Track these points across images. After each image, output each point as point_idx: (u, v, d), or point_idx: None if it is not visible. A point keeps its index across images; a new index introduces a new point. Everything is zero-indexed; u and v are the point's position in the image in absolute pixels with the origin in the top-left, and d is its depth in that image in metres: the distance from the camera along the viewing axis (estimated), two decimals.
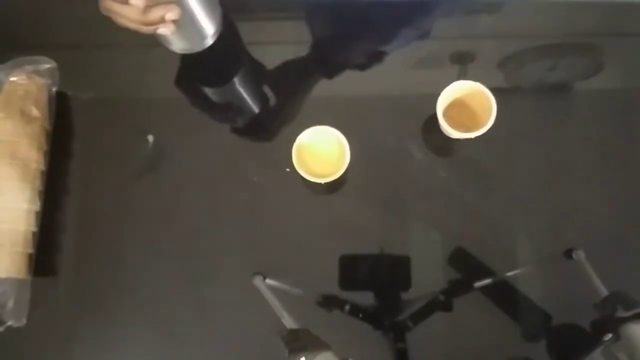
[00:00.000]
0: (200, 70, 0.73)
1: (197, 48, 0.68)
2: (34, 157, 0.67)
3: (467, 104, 0.67)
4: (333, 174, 0.63)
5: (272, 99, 0.73)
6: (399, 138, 0.71)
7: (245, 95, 0.73)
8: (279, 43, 0.76)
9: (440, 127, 0.65)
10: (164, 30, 0.57)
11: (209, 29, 0.67)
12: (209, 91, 0.73)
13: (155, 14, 0.55)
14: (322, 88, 0.73)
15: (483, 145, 0.69)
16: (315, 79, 0.72)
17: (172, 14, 0.55)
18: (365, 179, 0.70)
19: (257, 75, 0.74)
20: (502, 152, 0.71)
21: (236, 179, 0.70)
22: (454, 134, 0.64)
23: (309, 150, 0.66)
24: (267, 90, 0.73)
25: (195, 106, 0.72)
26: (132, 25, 0.56)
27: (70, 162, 0.71)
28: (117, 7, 0.54)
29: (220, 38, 0.69)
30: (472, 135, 0.63)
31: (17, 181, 0.65)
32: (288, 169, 0.66)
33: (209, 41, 0.68)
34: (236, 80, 0.72)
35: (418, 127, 0.71)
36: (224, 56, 0.73)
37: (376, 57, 0.73)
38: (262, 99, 0.73)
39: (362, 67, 0.73)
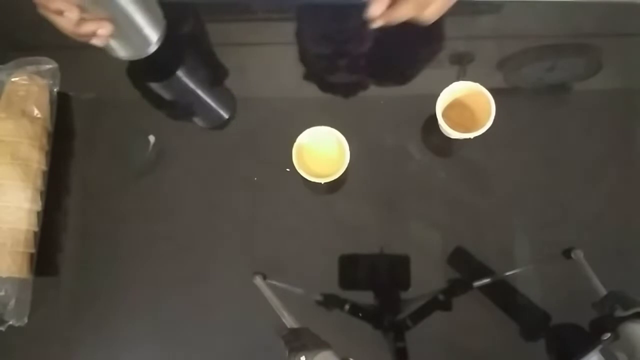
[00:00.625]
0: (147, 70, 0.74)
1: (142, 55, 0.69)
2: (35, 157, 0.67)
3: (466, 105, 0.68)
4: (333, 174, 0.63)
5: (284, 85, 0.73)
6: (398, 138, 0.71)
7: (192, 85, 0.73)
8: (279, 44, 0.76)
9: (440, 127, 0.65)
10: (96, 42, 0.58)
11: (152, 36, 0.67)
12: (157, 86, 0.74)
13: (87, 28, 0.56)
14: (322, 88, 0.73)
15: (482, 146, 0.70)
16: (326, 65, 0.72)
17: (103, 30, 0.57)
18: (365, 179, 0.70)
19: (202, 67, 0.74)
20: (501, 152, 0.71)
21: (236, 178, 0.71)
22: (453, 134, 0.64)
23: (309, 151, 0.66)
24: (278, 75, 0.74)
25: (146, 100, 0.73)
26: (68, 32, 0.57)
27: (71, 162, 0.71)
28: (52, 17, 0.55)
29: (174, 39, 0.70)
30: (471, 135, 0.63)
31: (19, 181, 0.66)
32: (288, 169, 0.66)
33: (153, 48, 0.68)
34: (180, 74, 0.73)
35: (418, 128, 0.71)
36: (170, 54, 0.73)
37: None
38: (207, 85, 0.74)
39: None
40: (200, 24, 0.77)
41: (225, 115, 0.73)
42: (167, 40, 0.70)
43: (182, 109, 0.74)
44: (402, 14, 0.57)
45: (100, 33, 0.57)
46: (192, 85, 0.74)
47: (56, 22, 0.56)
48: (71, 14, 0.54)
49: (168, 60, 0.73)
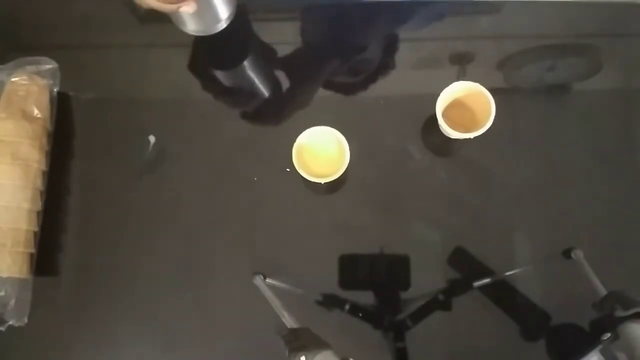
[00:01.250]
0: (212, 55, 0.74)
1: (211, 31, 0.68)
2: (35, 157, 0.67)
3: (466, 105, 0.68)
4: (333, 174, 0.63)
5: (284, 84, 0.73)
6: (398, 138, 0.71)
7: (255, 79, 0.74)
8: (280, 43, 0.76)
9: (440, 127, 0.65)
10: (186, 8, 0.58)
11: (223, 12, 0.67)
12: (220, 75, 0.74)
13: None
14: (322, 88, 0.73)
15: (482, 146, 0.70)
16: (330, 66, 0.72)
17: None
18: (365, 179, 0.70)
19: (268, 60, 0.75)
20: (501, 152, 0.71)
21: (236, 178, 0.71)
22: (453, 134, 0.64)
23: (309, 150, 0.66)
24: (278, 74, 0.73)
25: (207, 90, 0.73)
26: (154, 4, 0.57)
27: (71, 162, 0.71)
28: None
29: (232, 22, 0.69)
30: (471, 135, 0.63)
31: (19, 181, 0.66)
32: (288, 169, 0.66)
33: (223, 24, 0.68)
34: (246, 64, 0.73)
35: (418, 128, 0.71)
36: (234, 40, 0.73)
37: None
38: (273, 84, 0.74)
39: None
40: None
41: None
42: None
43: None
44: None
45: None
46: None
47: None
48: None
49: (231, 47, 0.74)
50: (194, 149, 0.72)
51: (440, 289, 0.66)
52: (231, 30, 0.69)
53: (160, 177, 0.71)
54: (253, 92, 0.74)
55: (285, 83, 0.73)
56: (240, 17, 0.70)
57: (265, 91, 0.74)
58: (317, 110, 0.72)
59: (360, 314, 0.66)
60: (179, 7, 0.58)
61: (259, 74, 0.74)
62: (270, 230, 0.69)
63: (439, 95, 0.64)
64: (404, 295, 0.66)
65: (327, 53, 0.75)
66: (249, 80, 0.74)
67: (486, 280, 0.66)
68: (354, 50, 0.75)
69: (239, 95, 0.75)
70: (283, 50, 0.75)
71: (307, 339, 0.53)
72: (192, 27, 0.67)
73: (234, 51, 0.74)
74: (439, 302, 0.66)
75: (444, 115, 0.64)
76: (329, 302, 0.66)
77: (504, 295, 0.67)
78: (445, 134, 0.66)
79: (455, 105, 0.67)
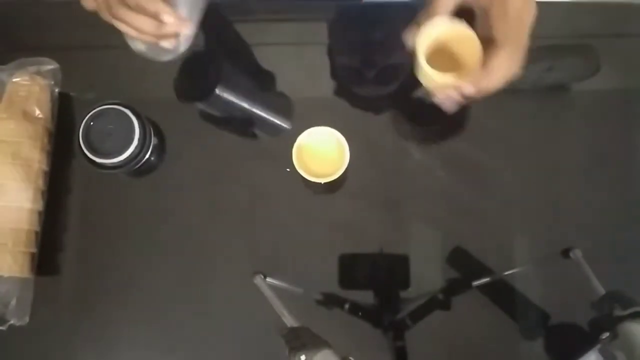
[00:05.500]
0: (188, 87, 0.70)
1: (175, 55, 0.59)
2: (36, 157, 0.68)
3: (450, 51, 0.56)
4: (333, 174, 0.63)
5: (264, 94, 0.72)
6: (398, 138, 0.71)
7: (235, 100, 0.68)
8: (278, 44, 0.76)
9: (421, 71, 0.54)
10: (166, 44, 0.54)
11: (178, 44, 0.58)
12: (202, 106, 0.71)
13: (171, 28, 0.52)
14: (322, 89, 0.73)
15: (482, 145, 0.70)
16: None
17: (187, 29, 0.54)
18: (365, 179, 0.70)
19: (239, 77, 0.72)
20: (500, 152, 0.71)
21: (236, 178, 0.71)
22: (438, 77, 0.53)
23: (309, 151, 0.66)
24: (254, 88, 0.72)
25: (202, 118, 0.72)
26: (132, 33, 0.53)
27: (72, 162, 0.71)
28: (132, 18, 0.51)
29: (233, 22, 0.67)
30: (457, 80, 0.52)
31: (20, 181, 0.66)
32: (288, 169, 0.66)
33: (170, 57, 0.59)
34: (218, 91, 0.66)
35: (418, 127, 0.71)
36: (200, 69, 0.69)
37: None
38: (254, 99, 0.70)
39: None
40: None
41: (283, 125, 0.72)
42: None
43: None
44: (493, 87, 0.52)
45: (185, 33, 0.53)
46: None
47: (137, 24, 0.51)
48: (168, 17, 0.50)
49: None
50: (195, 149, 0.72)
51: (439, 288, 0.66)
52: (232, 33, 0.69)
53: (161, 177, 0.71)
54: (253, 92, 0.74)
55: (284, 84, 0.73)
56: (243, 16, 0.70)
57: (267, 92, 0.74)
58: (317, 110, 0.72)
59: (360, 313, 0.66)
60: (165, 41, 0.54)
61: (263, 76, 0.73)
62: (271, 230, 0.69)
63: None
64: (403, 294, 0.67)
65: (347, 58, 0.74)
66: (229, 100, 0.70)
67: (485, 280, 0.67)
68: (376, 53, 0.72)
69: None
70: (281, 51, 0.75)
71: (307, 338, 0.53)
72: (143, 49, 0.59)
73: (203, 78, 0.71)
74: (439, 302, 0.66)
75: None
76: (329, 301, 0.66)
77: (503, 294, 0.67)
78: (427, 84, 0.55)
79: (438, 53, 0.56)
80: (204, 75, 0.68)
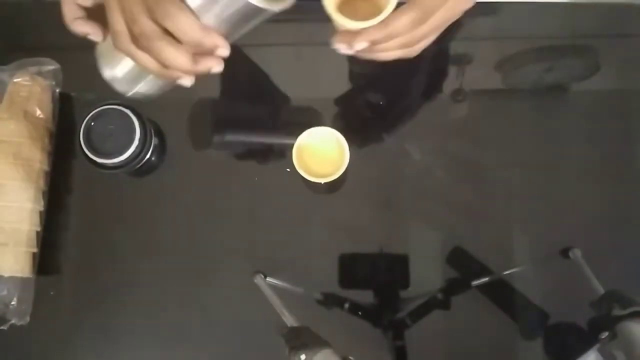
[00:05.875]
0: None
1: (124, 92, 0.55)
2: (37, 157, 0.68)
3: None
4: (333, 174, 0.63)
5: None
6: (398, 138, 0.72)
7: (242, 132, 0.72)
8: (278, 44, 0.76)
9: (333, 22, 0.50)
10: (187, 81, 0.45)
11: (141, 86, 0.54)
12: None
13: (204, 65, 0.44)
14: (322, 89, 0.73)
15: (481, 146, 0.70)
16: None
17: (219, 67, 0.44)
18: (365, 179, 0.70)
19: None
20: (499, 152, 0.71)
21: (236, 178, 0.71)
22: (349, 24, 0.48)
23: (309, 151, 0.66)
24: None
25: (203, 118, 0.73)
26: (154, 68, 0.44)
27: (73, 162, 0.72)
28: (169, 52, 0.41)
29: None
30: (370, 22, 0.47)
31: (21, 181, 0.66)
32: (288, 169, 0.67)
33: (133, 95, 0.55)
34: (227, 132, 0.71)
35: (418, 128, 0.71)
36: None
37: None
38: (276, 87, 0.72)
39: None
40: None
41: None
42: None
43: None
44: (388, 56, 0.49)
45: (215, 70, 0.44)
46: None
47: (170, 58, 0.42)
48: (224, 52, 0.42)
49: None
50: (194, 149, 0.72)
51: (439, 288, 0.67)
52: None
53: (161, 177, 0.71)
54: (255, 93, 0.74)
55: (284, 85, 0.74)
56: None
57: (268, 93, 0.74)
58: (317, 110, 0.72)
59: (360, 313, 0.66)
60: (177, 79, 0.45)
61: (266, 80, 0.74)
62: (271, 230, 0.70)
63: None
64: (403, 294, 0.67)
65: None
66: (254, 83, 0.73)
67: (485, 280, 0.67)
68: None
69: (240, 95, 0.75)
70: (281, 51, 0.75)
71: (307, 337, 0.53)
72: (116, 74, 0.53)
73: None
74: (438, 301, 0.66)
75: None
76: (329, 301, 0.67)
77: (502, 294, 0.67)
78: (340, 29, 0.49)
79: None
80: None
